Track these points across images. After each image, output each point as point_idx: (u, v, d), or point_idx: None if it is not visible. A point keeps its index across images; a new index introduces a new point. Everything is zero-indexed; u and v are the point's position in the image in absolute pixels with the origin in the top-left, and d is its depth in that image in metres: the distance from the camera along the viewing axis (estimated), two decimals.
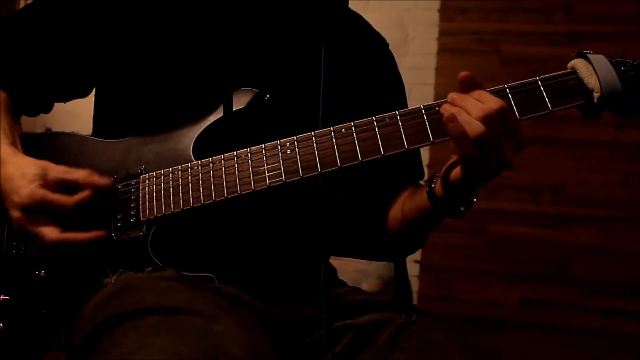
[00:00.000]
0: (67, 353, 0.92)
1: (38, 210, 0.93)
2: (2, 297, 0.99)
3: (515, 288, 2.99)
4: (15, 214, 0.94)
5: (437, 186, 0.93)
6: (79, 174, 0.97)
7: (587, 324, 2.89)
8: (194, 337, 0.73)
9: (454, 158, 0.88)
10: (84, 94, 1.16)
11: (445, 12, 3.23)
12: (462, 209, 0.93)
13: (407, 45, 3.24)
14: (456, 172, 0.87)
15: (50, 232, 0.93)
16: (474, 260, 3.04)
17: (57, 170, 0.97)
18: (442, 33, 3.22)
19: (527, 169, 2.93)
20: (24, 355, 0.98)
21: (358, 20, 1.25)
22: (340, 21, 1.18)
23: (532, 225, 3.01)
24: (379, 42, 1.25)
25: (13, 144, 1.01)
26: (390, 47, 1.26)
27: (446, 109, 0.83)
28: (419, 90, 3.02)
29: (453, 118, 0.81)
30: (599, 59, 0.86)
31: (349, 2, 1.23)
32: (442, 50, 3.20)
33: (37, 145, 1.05)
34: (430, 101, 0.85)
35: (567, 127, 2.92)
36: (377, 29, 1.27)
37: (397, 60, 1.27)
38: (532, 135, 2.85)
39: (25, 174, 0.94)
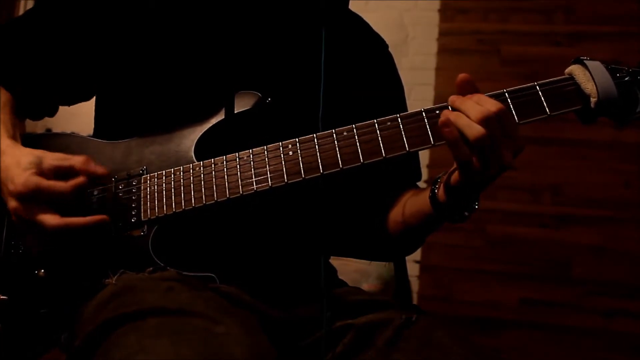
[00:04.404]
0: (68, 354, 0.92)
1: (34, 198, 0.92)
2: (0, 296, 0.98)
3: (515, 288, 2.99)
4: (12, 203, 0.93)
5: (440, 192, 0.94)
6: (74, 160, 0.96)
7: (587, 324, 2.89)
8: (196, 338, 0.73)
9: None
10: (88, 97, 1.16)
11: (445, 12, 3.23)
12: (465, 214, 0.94)
13: (407, 46, 3.24)
14: (458, 177, 0.88)
15: (50, 219, 0.92)
16: (474, 260, 3.04)
17: (53, 158, 0.96)
18: (442, 33, 3.22)
19: (527, 169, 2.93)
20: (24, 355, 0.98)
21: (358, 22, 1.25)
22: (341, 23, 1.18)
23: (532, 225, 3.01)
24: (378, 44, 1.25)
25: (12, 137, 1.01)
26: (390, 48, 1.27)
27: (445, 114, 0.83)
28: (419, 90, 3.02)
29: (448, 123, 0.82)
30: (596, 66, 0.88)
31: (349, 2, 1.23)
32: (442, 51, 3.21)
33: (37, 146, 1.05)
34: (430, 101, 0.86)
35: (566, 127, 2.93)
36: (377, 29, 1.27)
37: (397, 60, 1.27)
38: (531, 136, 2.85)
39: (20, 163, 0.94)
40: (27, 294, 0.99)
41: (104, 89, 1.14)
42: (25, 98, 1.08)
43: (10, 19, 1.13)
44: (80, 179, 0.95)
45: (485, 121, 0.80)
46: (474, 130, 0.80)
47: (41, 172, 0.94)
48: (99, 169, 0.97)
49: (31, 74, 1.08)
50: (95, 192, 1.00)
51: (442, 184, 0.93)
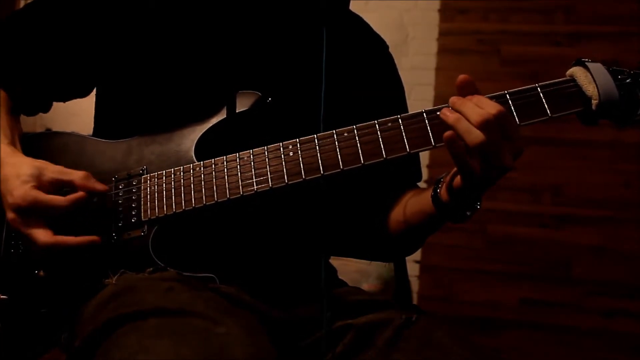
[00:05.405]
0: (68, 354, 0.92)
1: (31, 212, 0.93)
2: (0, 296, 0.98)
3: (515, 288, 2.99)
4: (10, 215, 0.94)
5: (443, 192, 0.94)
6: (75, 175, 0.96)
7: (587, 324, 2.89)
8: (196, 339, 0.73)
9: None
10: (83, 94, 1.16)
11: (445, 12, 3.23)
12: (467, 213, 0.94)
13: (407, 46, 3.24)
14: (460, 180, 0.88)
15: (41, 236, 0.92)
16: (474, 260, 3.05)
17: (53, 171, 0.96)
18: (442, 33, 3.22)
19: (527, 169, 2.93)
20: (24, 355, 0.98)
21: (358, 22, 1.25)
22: (341, 23, 1.18)
23: (532, 226, 3.01)
24: (379, 44, 1.25)
25: (12, 143, 1.01)
26: (390, 48, 1.26)
27: (445, 114, 0.84)
28: (419, 90, 3.02)
29: (453, 138, 0.82)
30: (597, 67, 0.88)
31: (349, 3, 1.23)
32: (442, 51, 3.21)
33: (37, 145, 1.05)
34: (430, 101, 0.86)
35: (567, 127, 2.93)
36: (377, 29, 1.27)
37: (397, 60, 1.27)
38: (532, 136, 2.85)
39: (19, 175, 0.94)
40: (27, 294, 0.99)
41: (104, 87, 1.13)
42: (20, 94, 1.07)
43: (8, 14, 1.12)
44: (79, 195, 0.95)
45: (485, 125, 0.80)
46: (473, 136, 0.81)
47: (40, 185, 0.94)
48: (98, 186, 0.97)
49: (27, 70, 1.07)
50: None
51: (444, 184, 0.93)
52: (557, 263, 2.96)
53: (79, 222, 0.97)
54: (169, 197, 0.96)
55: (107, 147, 1.04)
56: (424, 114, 0.88)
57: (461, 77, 0.86)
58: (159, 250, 0.94)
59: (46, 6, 1.10)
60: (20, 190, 0.92)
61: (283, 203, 1.03)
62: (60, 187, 0.96)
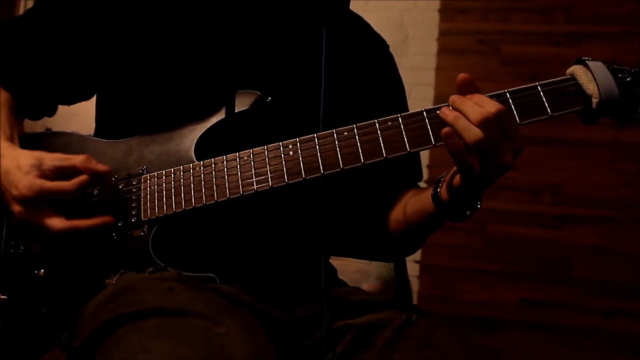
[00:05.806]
0: (68, 354, 0.92)
1: (39, 202, 0.93)
2: (0, 296, 0.98)
3: (515, 288, 2.99)
4: (16, 207, 0.94)
5: (443, 191, 0.94)
6: (76, 159, 0.96)
7: (587, 324, 2.89)
8: (196, 339, 0.73)
9: None
10: (88, 97, 1.16)
11: (445, 12, 3.23)
12: (467, 212, 0.94)
13: (407, 46, 3.24)
14: (459, 179, 0.88)
15: (56, 222, 0.93)
16: (474, 260, 3.05)
17: (53, 158, 0.96)
18: (442, 33, 3.22)
19: (527, 169, 2.94)
20: (24, 355, 0.98)
21: (359, 22, 1.25)
22: (341, 23, 1.18)
23: (532, 225, 3.01)
24: (379, 44, 1.25)
25: (10, 139, 1.01)
26: (390, 48, 1.26)
27: (445, 112, 0.84)
28: (419, 90, 3.02)
29: (451, 134, 0.82)
30: (598, 66, 0.88)
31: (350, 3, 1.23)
32: (442, 51, 3.21)
33: (37, 145, 1.05)
34: (430, 101, 0.86)
35: (567, 127, 2.93)
36: (377, 29, 1.27)
37: (397, 60, 1.27)
38: (532, 136, 2.85)
39: (20, 166, 0.94)
40: (27, 294, 0.99)
41: (104, 89, 1.14)
42: (24, 98, 1.08)
43: (9, 18, 1.13)
44: (83, 177, 0.95)
45: (484, 123, 0.80)
46: (472, 134, 0.81)
47: (43, 173, 0.94)
48: (101, 167, 0.97)
49: (31, 73, 1.07)
50: (95, 192, 1.00)
51: (444, 183, 0.94)
52: (557, 263, 2.96)
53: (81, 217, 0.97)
54: (168, 197, 0.96)
55: (107, 147, 1.04)
56: (424, 112, 0.88)
57: (461, 75, 0.86)
58: (159, 250, 0.94)
59: (47, 9, 1.10)
60: (24, 181, 0.92)
61: (283, 203, 1.03)
62: (62, 173, 0.96)
